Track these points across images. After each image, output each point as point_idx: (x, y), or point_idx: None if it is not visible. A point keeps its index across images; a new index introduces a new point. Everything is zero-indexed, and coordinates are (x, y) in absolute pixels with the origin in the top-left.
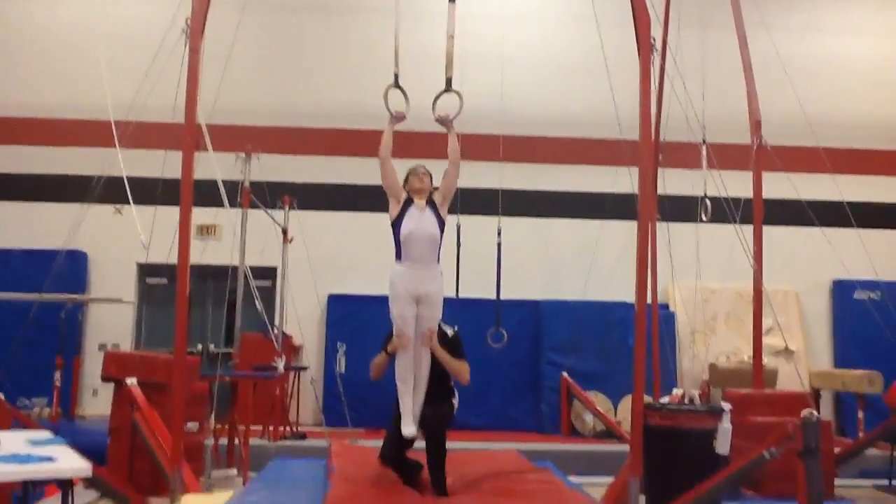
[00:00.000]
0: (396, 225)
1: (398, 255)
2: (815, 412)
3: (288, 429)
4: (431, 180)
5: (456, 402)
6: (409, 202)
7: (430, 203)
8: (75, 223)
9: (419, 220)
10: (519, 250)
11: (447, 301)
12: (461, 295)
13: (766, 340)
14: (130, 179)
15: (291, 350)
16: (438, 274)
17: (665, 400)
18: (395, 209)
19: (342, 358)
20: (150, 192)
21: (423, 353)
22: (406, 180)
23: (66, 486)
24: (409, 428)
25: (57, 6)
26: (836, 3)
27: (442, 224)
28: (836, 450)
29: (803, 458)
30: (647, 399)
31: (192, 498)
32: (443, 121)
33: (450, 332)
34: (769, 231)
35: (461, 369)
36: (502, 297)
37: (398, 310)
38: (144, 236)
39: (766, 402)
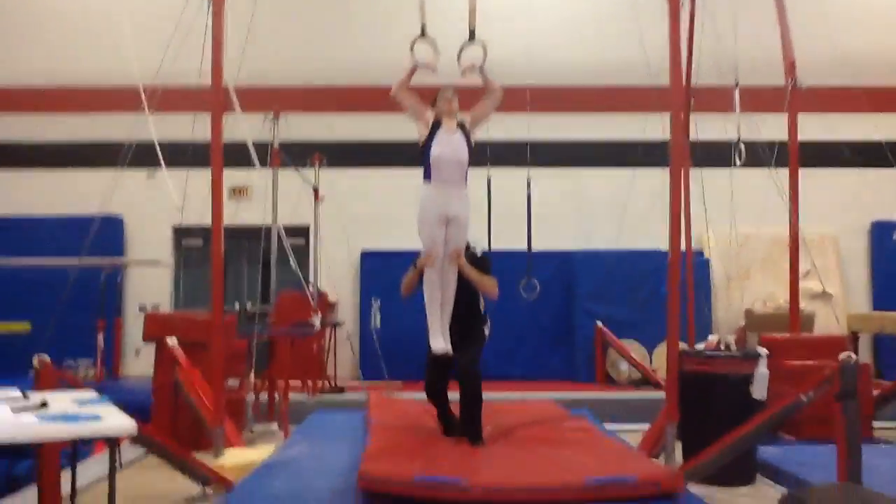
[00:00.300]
0: (426, 147)
1: (427, 176)
2: (852, 355)
3: (326, 383)
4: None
5: (488, 329)
6: (437, 125)
7: (461, 126)
8: (110, 189)
9: (448, 143)
10: (550, 201)
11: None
12: (493, 247)
13: (803, 284)
14: (161, 143)
15: (327, 307)
16: (466, 196)
17: (700, 346)
18: (423, 131)
19: (377, 313)
20: (182, 155)
21: (450, 271)
22: (434, 104)
23: (112, 443)
24: (437, 342)
25: None
26: None
27: (470, 148)
28: (875, 392)
29: (841, 401)
30: (683, 346)
31: (235, 451)
32: (471, 71)
33: (478, 251)
34: (805, 174)
35: (489, 284)
36: (534, 248)
37: (427, 230)
38: (178, 199)
39: (804, 346)
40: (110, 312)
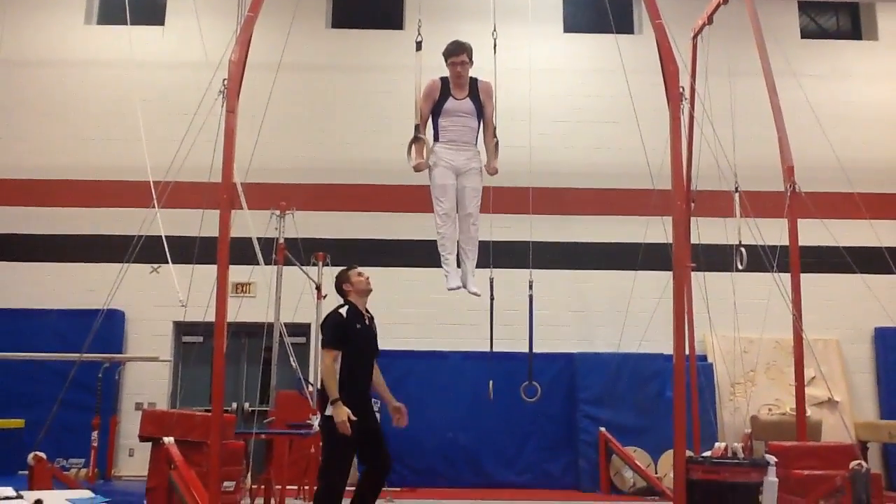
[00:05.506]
0: (436, 112)
1: (436, 138)
2: (863, 463)
3: None
4: (471, 60)
5: None
6: (446, 92)
7: (472, 95)
8: (116, 283)
9: (457, 110)
10: (552, 303)
11: (480, 354)
12: (494, 349)
13: (809, 391)
14: (167, 239)
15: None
16: (477, 153)
17: (707, 454)
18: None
19: (377, 414)
20: (186, 250)
21: (469, 219)
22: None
23: None
24: (453, 282)
25: (91, 71)
26: (861, 49)
27: (479, 113)
28: None
29: None
30: (689, 453)
31: None
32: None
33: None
34: (807, 279)
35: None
36: (536, 350)
37: (439, 178)
38: (182, 295)
39: (812, 454)
40: (106, 409)
